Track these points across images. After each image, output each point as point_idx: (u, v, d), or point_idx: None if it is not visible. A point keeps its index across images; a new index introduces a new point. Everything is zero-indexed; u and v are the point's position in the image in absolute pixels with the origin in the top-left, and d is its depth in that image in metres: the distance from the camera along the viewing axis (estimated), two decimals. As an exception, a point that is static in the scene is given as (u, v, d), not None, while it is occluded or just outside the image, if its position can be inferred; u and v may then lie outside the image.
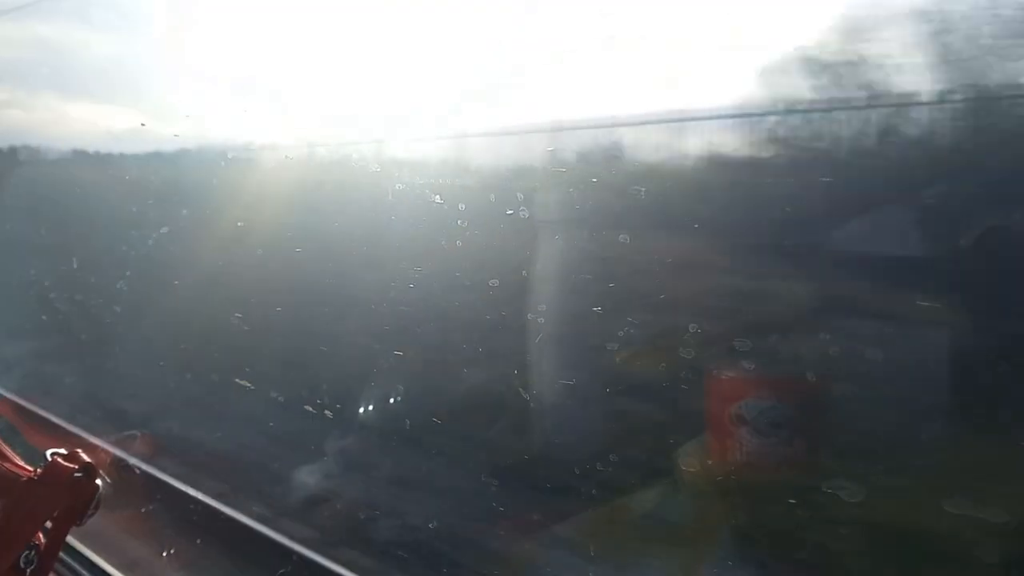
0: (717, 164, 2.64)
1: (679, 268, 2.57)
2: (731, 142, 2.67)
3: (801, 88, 2.39)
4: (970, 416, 2.03)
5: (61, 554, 1.23)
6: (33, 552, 1.17)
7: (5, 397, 3.48)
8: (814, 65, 2.39)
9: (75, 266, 5.52)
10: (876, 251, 2.22)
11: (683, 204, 2.68)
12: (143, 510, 2.82)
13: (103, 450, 2.39)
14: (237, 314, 4.52)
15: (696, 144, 2.69)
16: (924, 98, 2.20)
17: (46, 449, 1.24)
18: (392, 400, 3.76)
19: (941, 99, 2.14)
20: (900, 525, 2.02)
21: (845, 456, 2.16)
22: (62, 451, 1.24)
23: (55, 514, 1.19)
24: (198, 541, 2.85)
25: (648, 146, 2.84)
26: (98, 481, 1.22)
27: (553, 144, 2.95)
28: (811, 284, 2.32)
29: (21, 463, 1.25)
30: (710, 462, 2.27)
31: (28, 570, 1.15)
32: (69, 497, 1.19)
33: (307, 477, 3.60)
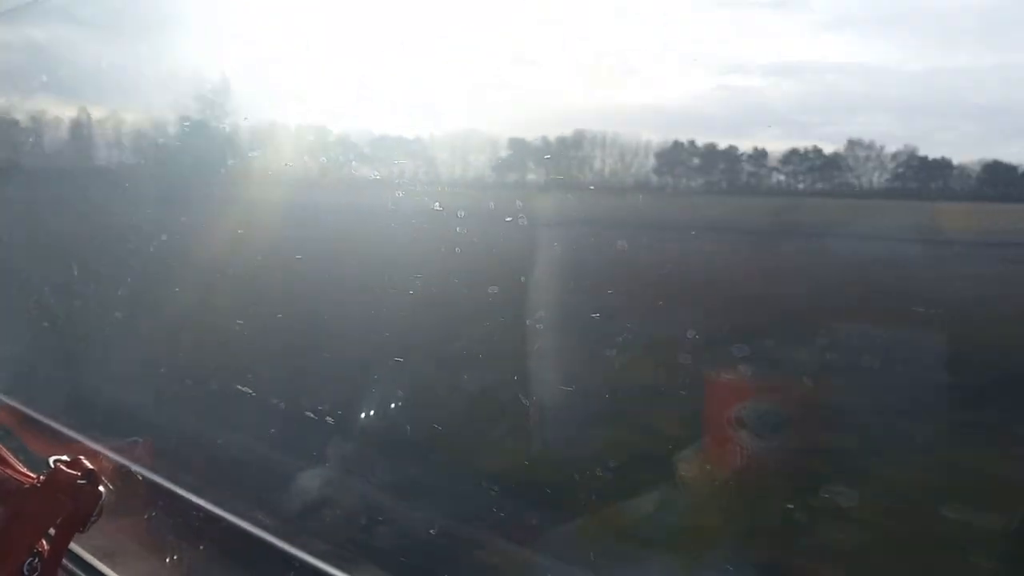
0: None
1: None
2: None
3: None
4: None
5: (64, 561, 1.22)
6: (37, 559, 1.17)
7: (7, 404, 3.47)
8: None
9: (75, 272, 5.51)
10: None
11: None
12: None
13: (106, 457, 2.39)
14: (239, 320, 4.50)
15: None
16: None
17: (49, 456, 1.24)
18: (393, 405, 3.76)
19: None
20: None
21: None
22: (65, 458, 1.24)
23: (58, 521, 1.19)
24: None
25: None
26: (101, 488, 1.22)
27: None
28: None
29: (24, 470, 1.25)
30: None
31: (31, 577, 1.15)
32: (72, 504, 1.18)
33: (307, 480, 3.60)
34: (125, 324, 4.91)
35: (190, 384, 4.52)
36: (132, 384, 4.70)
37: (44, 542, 1.19)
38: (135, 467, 2.79)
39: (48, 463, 1.22)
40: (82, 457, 1.26)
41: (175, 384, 4.57)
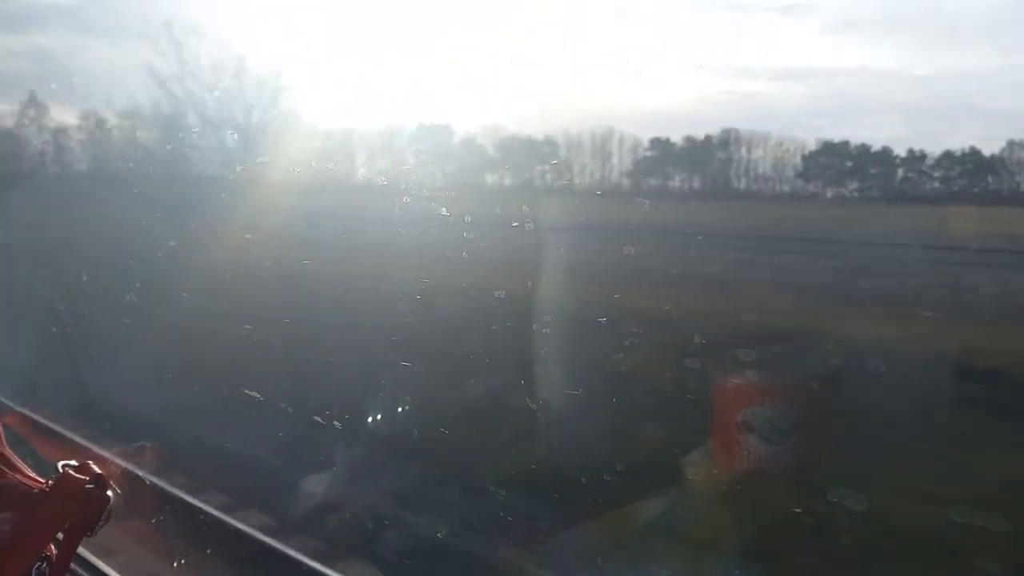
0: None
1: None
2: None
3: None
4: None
5: (73, 566, 1.22)
6: (45, 564, 1.17)
7: (15, 409, 3.49)
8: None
9: (84, 278, 5.53)
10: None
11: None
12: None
13: (114, 461, 2.39)
14: (246, 326, 4.51)
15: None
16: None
17: (57, 460, 1.24)
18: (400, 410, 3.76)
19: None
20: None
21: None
22: (73, 462, 1.24)
23: (67, 526, 1.19)
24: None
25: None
26: (109, 492, 1.22)
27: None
28: None
29: (32, 475, 1.25)
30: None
31: (40, 582, 1.15)
32: (81, 509, 1.18)
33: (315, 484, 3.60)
34: (133, 328, 4.92)
35: (199, 390, 4.53)
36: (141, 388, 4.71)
37: (52, 547, 1.19)
38: (143, 471, 2.80)
39: (56, 467, 1.22)
40: (90, 462, 1.25)
41: (184, 389, 4.58)
